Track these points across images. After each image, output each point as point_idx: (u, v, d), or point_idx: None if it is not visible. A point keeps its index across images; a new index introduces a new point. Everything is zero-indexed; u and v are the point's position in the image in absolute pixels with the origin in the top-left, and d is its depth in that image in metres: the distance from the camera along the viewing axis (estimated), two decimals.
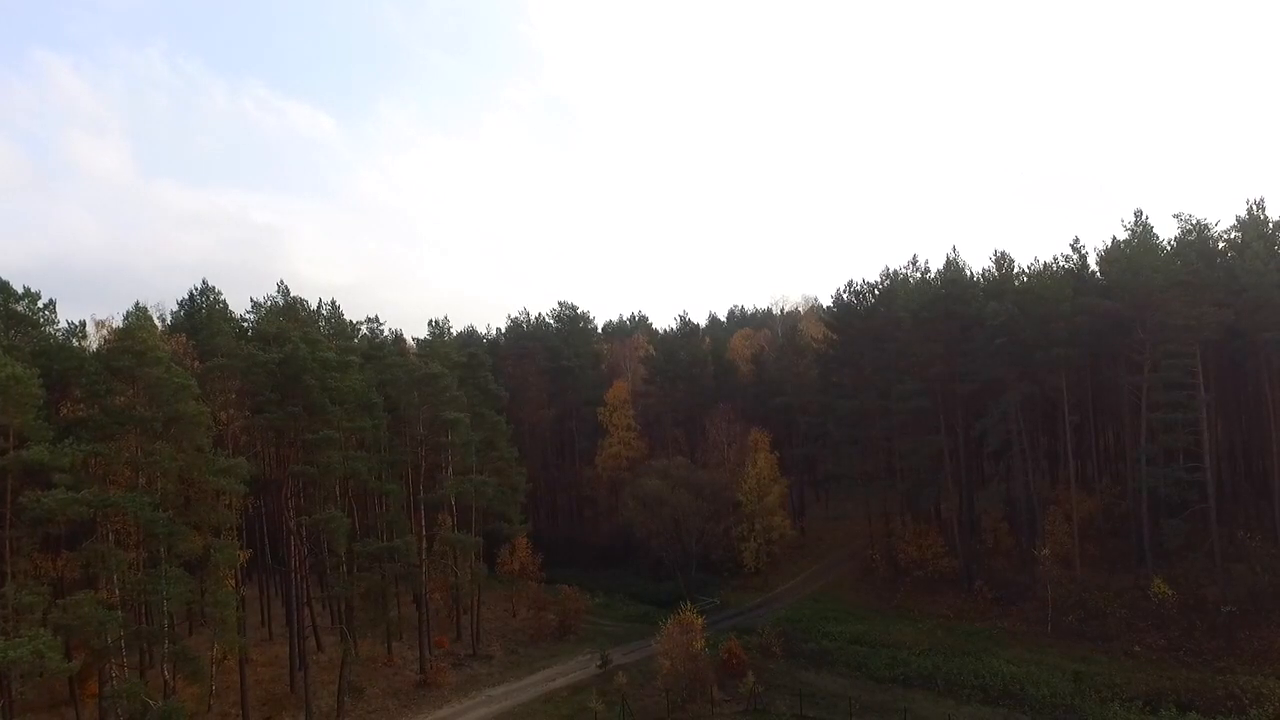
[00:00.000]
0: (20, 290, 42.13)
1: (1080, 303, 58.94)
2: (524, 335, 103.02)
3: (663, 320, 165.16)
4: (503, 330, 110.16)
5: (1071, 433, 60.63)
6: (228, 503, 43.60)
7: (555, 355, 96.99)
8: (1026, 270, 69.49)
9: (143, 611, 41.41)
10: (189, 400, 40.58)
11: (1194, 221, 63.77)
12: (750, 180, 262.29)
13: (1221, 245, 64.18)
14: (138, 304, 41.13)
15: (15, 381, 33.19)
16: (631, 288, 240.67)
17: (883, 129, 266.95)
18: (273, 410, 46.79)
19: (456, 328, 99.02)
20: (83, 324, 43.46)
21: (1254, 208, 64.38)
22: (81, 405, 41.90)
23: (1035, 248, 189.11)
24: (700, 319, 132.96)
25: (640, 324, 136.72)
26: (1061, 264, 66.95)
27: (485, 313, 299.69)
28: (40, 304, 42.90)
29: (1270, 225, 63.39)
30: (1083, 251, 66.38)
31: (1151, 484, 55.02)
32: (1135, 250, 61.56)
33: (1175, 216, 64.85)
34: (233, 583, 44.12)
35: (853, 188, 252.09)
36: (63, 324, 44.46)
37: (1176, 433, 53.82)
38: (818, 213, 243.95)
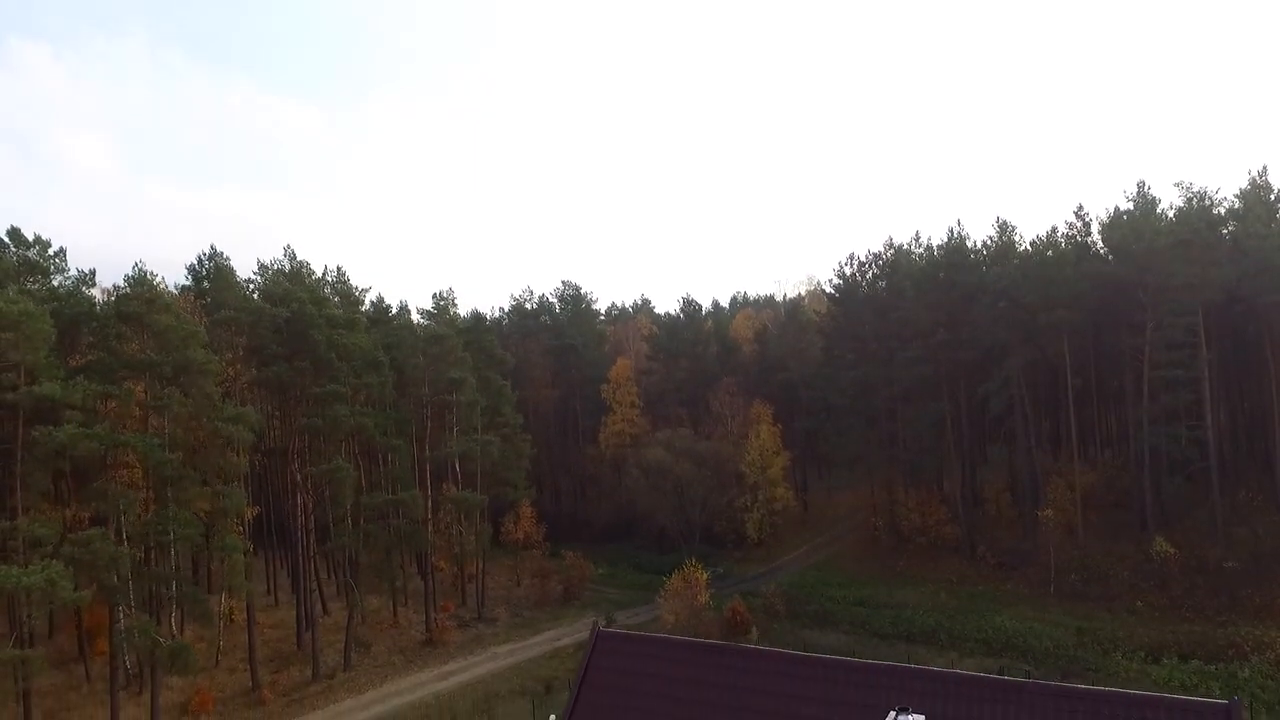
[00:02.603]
0: (30, 237, 42.47)
1: (1083, 267, 59.16)
2: (527, 315, 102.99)
3: (665, 306, 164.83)
4: (506, 310, 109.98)
5: (1074, 398, 60.76)
6: (236, 452, 43.88)
7: (559, 333, 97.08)
8: (1029, 242, 69.78)
9: (152, 556, 41.68)
10: (197, 348, 40.90)
11: (1196, 190, 63.94)
12: (751, 167, 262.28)
13: (1223, 212, 64.36)
14: (141, 265, 41.12)
15: (28, 317, 33.50)
16: (632, 278, 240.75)
17: (884, 115, 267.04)
18: (279, 365, 47.07)
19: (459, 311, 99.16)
20: (93, 272, 43.54)
21: (1256, 178, 64.52)
22: (91, 350, 42.14)
23: (1038, 230, 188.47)
24: (703, 305, 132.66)
25: (643, 308, 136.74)
26: (1064, 233, 67.11)
27: (486, 306, 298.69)
28: (50, 251, 43.15)
29: (1273, 193, 63.54)
30: (1086, 219, 66.46)
31: (1153, 443, 55.18)
32: (1137, 220, 61.73)
33: (1176, 185, 65.02)
34: (240, 530, 44.32)
35: (855, 176, 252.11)
36: (73, 272, 44.67)
37: (1178, 391, 54.03)
38: (820, 200, 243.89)
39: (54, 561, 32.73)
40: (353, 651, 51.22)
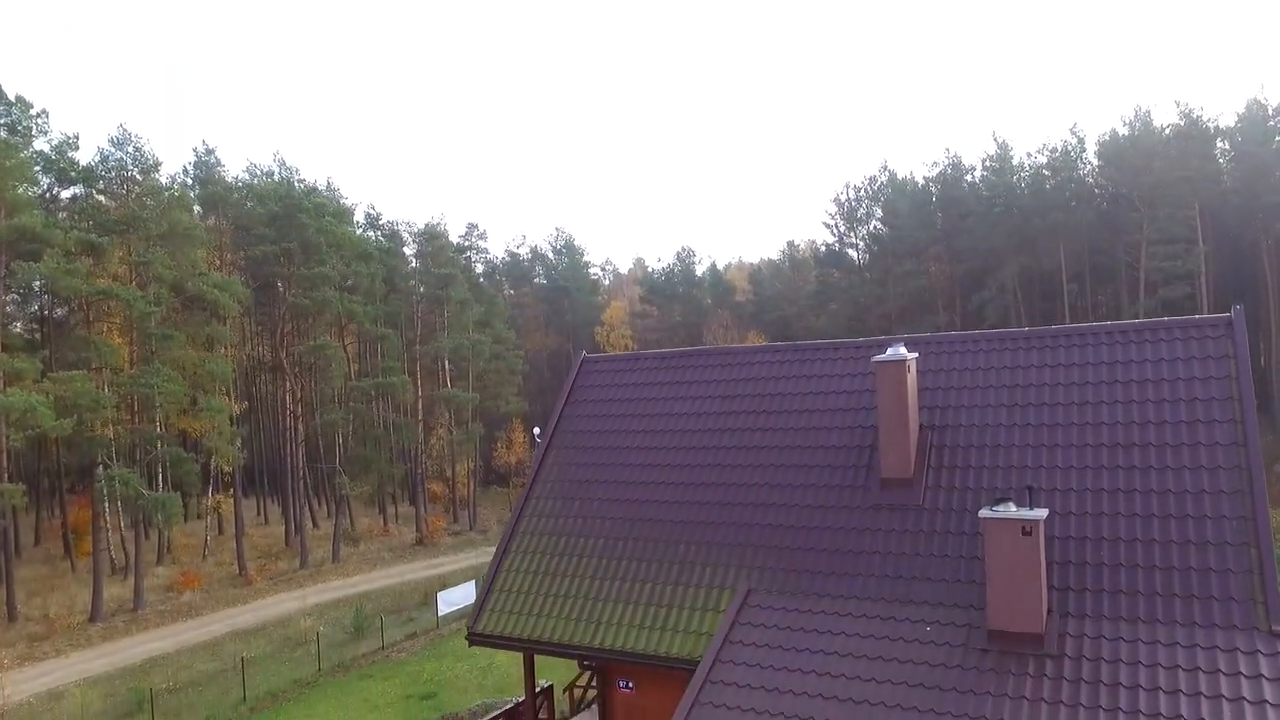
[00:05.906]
0: (12, 98, 41.55)
1: (1078, 175, 58.96)
2: (520, 262, 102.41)
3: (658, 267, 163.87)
4: (500, 259, 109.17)
5: (1069, 304, 60.42)
6: (221, 321, 43.29)
7: (553, 276, 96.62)
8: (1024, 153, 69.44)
9: (136, 418, 41.04)
10: (184, 212, 40.36)
11: (1193, 107, 63.66)
12: (746, 134, 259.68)
13: (1220, 127, 64.13)
14: (124, 127, 40.10)
15: (4, 147, 32.88)
16: (625, 244, 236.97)
17: (878, 76, 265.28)
18: (267, 245, 46.51)
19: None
20: (77, 135, 42.44)
21: (1259, 98, 64.14)
22: (75, 204, 41.42)
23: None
24: (697, 253, 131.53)
25: (637, 265, 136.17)
26: (1059, 149, 66.79)
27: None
28: (33, 112, 42.23)
29: (1270, 108, 63.32)
30: (1081, 136, 66.08)
31: None
32: (1136, 137, 61.45)
33: (1176, 103, 64.81)
34: (225, 395, 43.57)
35: (849, 145, 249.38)
36: (56, 136, 43.52)
37: (1174, 285, 53.69)
38: (816, 170, 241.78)
39: (35, 394, 32.13)
40: (341, 546, 50.68)
